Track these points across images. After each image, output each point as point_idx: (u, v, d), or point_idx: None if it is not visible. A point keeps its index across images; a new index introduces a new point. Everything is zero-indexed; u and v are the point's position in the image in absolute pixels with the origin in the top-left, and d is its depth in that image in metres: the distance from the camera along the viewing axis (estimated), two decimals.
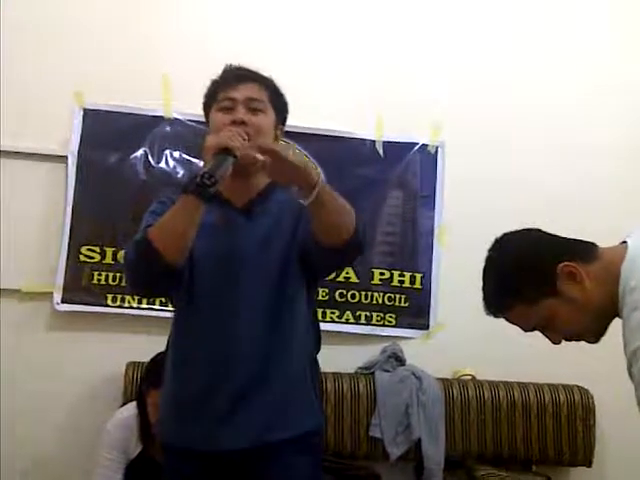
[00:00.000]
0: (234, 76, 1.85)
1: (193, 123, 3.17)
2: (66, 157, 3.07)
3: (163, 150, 3.15)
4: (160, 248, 1.63)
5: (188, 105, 3.13)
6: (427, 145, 3.34)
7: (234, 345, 1.72)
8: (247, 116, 1.77)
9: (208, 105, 1.88)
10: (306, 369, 1.80)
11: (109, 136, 3.13)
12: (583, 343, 3.28)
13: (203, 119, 3.06)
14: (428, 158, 3.34)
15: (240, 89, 1.81)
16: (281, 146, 1.64)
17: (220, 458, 1.71)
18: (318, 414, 1.82)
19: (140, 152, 3.14)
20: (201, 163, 3.09)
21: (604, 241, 1.65)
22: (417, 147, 3.33)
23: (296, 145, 2.04)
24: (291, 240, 1.77)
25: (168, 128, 3.17)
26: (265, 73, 1.91)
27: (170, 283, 1.74)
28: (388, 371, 3.12)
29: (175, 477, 1.79)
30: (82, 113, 3.11)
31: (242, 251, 1.76)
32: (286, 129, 3.19)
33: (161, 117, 3.17)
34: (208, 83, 1.92)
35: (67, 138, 3.08)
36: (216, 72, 3.16)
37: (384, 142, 3.31)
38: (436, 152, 3.35)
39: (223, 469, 1.72)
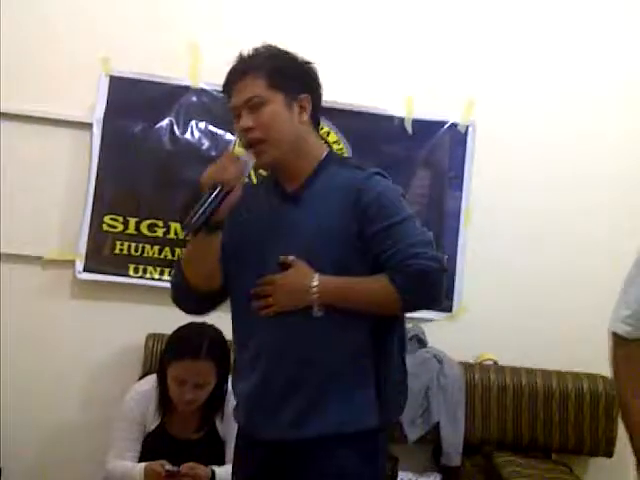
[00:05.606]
0: (229, 80, 1.78)
1: (219, 94, 3.10)
2: (91, 124, 3.04)
3: (189, 120, 3.11)
4: (189, 278, 1.74)
5: (215, 75, 3.07)
6: (457, 124, 3.26)
7: (281, 334, 1.72)
8: (251, 118, 1.71)
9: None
10: (364, 365, 1.73)
11: (135, 104, 3.09)
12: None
13: None
14: (458, 137, 3.27)
15: (236, 92, 1.74)
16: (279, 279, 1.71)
17: (279, 446, 1.73)
18: (376, 413, 1.74)
19: (166, 122, 3.10)
20: (226, 135, 3.09)
21: None
22: (447, 126, 3.26)
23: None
24: (342, 231, 1.71)
25: (194, 98, 3.13)
26: (260, 44, 1.81)
27: (212, 302, 1.84)
28: (409, 353, 3.08)
29: (242, 459, 1.86)
30: (108, 80, 3.07)
31: (284, 235, 1.74)
32: None
33: (188, 87, 3.12)
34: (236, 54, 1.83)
35: (92, 105, 3.05)
36: (244, 42, 3.14)
37: (413, 120, 3.23)
38: (466, 132, 3.27)
39: (283, 457, 1.74)
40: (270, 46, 1.81)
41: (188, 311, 1.90)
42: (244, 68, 1.76)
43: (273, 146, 1.72)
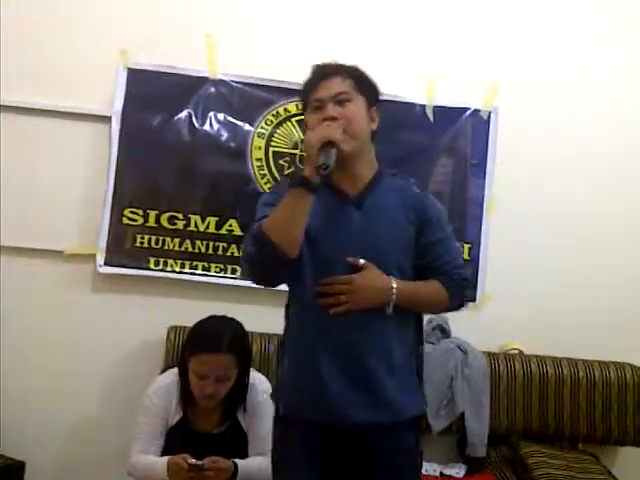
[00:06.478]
0: (318, 75, 1.95)
1: (238, 84, 3.10)
2: (110, 118, 3.03)
3: (207, 112, 3.09)
4: (275, 240, 1.76)
5: (233, 66, 3.08)
6: (480, 110, 3.21)
7: (356, 330, 1.86)
8: (336, 110, 1.88)
9: (304, 108, 2.00)
10: (412, 358, 1.95)
11: (153, 96, 3.07)
12: (636, 320, 3.23)
13: (248, 80, 3.07)
14: (480, 124, 3.22)
15: (325, 87, 1.91)
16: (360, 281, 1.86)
17: (335, 431, 1.88)
18: (421, 401, 1.99)
19: (184, 113, 3.07)
20: (245, 126, 3.07)
21: None
22: (469, 112, 3.21)
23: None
24: (400, 231, 1.92)
25: (213, 89, 3.10)
26: (348, 62, 1.98)
27: (287, 273, 1.87)
28: (433, 343, 3.05)
29: (291, 445, 1.93)
30: (126, 72, 3.05)
31: (352, 238, 1.88)
32: None
33: (206, 78, 3.09)
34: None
35: (111, 98, 3.04)
36: (261, 32, 3.12)
37: (434, 106, 3.19)
38: (489, 118, 3.22)
39: (335, 441, 1.89)
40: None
41: (263, 279, 1.93)
42: (334, 68, 1.96)
43: (351, 139, 1.86)
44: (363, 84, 1.95)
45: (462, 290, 2.00)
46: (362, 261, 1.86)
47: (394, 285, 1.85)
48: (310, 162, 1.78)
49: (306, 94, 1.96)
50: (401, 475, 1.93)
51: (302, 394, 1.91)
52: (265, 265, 1.83)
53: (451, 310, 2.06)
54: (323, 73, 1.95)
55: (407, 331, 1.95)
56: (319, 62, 1.99)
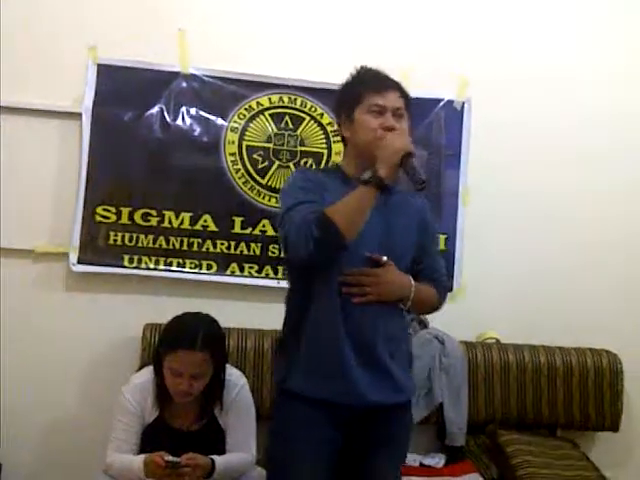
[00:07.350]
0: (379, 83, 2.07)
1: (210, 79, 3.08)
2: (80, 114, 2.99)
3: (179, 107, 3.06)
4: (340, 227, 1.87)
5: (205, 60, 3.05)
6: (453, 101, 3.21)
7: (377, 319, 2.00)
8: (393, 122, 2.02)
9: (350, 104, 2.07)
10: (407, 347, 2.14)
11: (124, 92, 3.03)
12: (611, 307, 3.25)
13: (220, 74, 3.04)
14: (454, 115, 3.22)
15: (387, 97, 2.03)
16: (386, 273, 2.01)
17: (348, 411, 2.00)
18: (414, 385, 2.21)
19: (156, 109, 3.04)
20: (218, 120, 3.06)
21: None
22: (442, 103, 3.21)
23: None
24: (412, 237, 2.10)
25: (184, 84, 3.07)
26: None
27: (335, 256, 1.97)
28: (410, 334, 3.04)
29: (302, 423, 2.02)
30: (96, 68, 3.01)
31: (375, 235, 2.01)
32: (307, 85, 3.13)
33: (177, 73, 3.06)
34: (350, 83, 2.11)
35: (81, 94, 3.00)
36: (233, 26, 3.09)
37: None
38: (462, 108, 3.22)
39: (347, 421, 2.01)
40: None
41: (319, 259, 1.97)
42: (395, 83, 2.09)
43: None
44: (409, 106, 2.10)
45: (445, 296, 2.23)
46: (385, 258, 2.01)
47: (413, 283, 2.04)
48: (389, 165, 1.89)
49: (359, 95, 2.05)
50: (398, 455, 2.14)
51: (321, 375, 2.00)
52: (324, 248, 1.90)
53: (432, 312, 2.27)
54: (387, 84, 2.07)
55: (405, 324, 2.18)
56: (370, 66, 2.11)
